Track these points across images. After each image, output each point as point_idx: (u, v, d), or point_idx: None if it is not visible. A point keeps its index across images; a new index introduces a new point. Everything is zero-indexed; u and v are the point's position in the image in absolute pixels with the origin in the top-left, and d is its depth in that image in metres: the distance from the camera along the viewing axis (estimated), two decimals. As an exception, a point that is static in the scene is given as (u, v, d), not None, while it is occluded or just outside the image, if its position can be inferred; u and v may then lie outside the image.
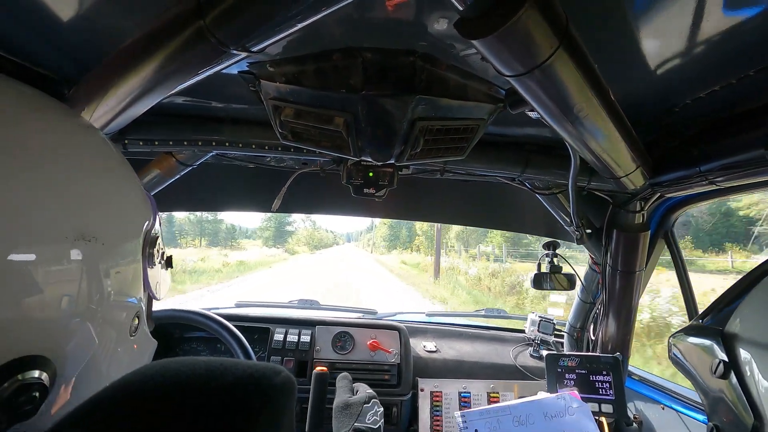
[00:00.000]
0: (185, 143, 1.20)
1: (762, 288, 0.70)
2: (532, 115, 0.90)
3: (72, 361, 0.47)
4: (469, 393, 1.66)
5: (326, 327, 1.77)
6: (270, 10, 0.54)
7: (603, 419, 1.43)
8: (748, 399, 0.63)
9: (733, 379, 0.67)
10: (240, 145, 1.21)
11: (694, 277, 1.51)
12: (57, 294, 0.44)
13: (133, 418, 0.33)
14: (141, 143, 1.18)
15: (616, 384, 1.46)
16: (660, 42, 0.69)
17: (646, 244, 1.43)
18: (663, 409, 1.48)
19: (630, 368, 1.68)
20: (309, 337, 1.73)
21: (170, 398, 0.34)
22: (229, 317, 1.53)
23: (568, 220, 1.48)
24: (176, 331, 1.77)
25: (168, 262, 0.75)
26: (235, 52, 0.60)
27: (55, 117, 0.53)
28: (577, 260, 1.89)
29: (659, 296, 6.72)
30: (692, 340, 0.81)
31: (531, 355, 1.90)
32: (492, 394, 1.66)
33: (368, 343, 1.72)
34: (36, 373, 0.41)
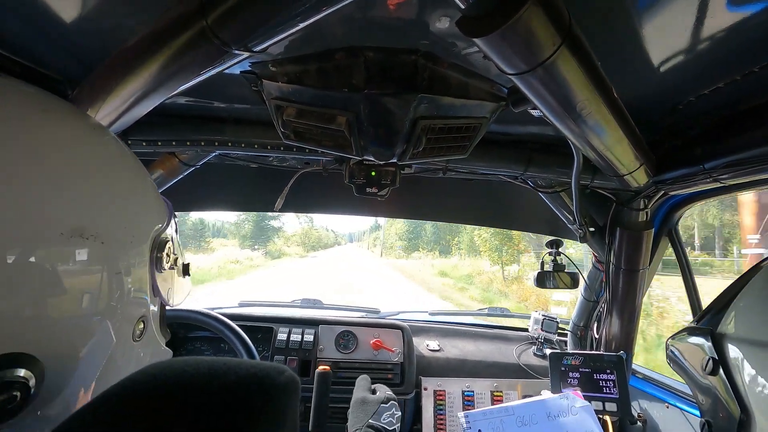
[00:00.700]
0: (188, 143, 1.20)
1: (750, 288, 0.72)
2: (534, 113, 0.90)
3: (65, 361, 0.46)
4: (473, 392, 1.66)
5: (329, 326, 1.77)
6: (272, 10, 0.54)
7: (607, 418, 1.43)
8: (735, 393, 0.66)
9: (722, 374, 0.69)
10: (242, 145, 1.21)
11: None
12: (49, 291, 0.43)
13: (136, 418, 0.33)
14: (144, 144, 1.19)
15: (620, 382, 1.45)
16: (663, 39, 0.69)
17: (649, 242, 1.43)
18: (667, 407, 1.48)
19: (634, 366, 1.67)
20: (312, 337, 1.73)
21: (173, 397, 0.34)
22: (233, 317, 1.54)
23: (571, 219, 1.47)
24: (180, 330, 1.78)
25: (185, 270, 0.74)
26: (237, 52, 0.60)
27: (61, 117, 0.53)
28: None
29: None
30: (685, 340, 0.84)
31: (534, 354, 1.90)
32: (495, 393, 1.66)
33: (371, 342, 1.72)
34: (20, 372, 0.40)
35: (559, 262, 1.67)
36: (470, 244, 20.91)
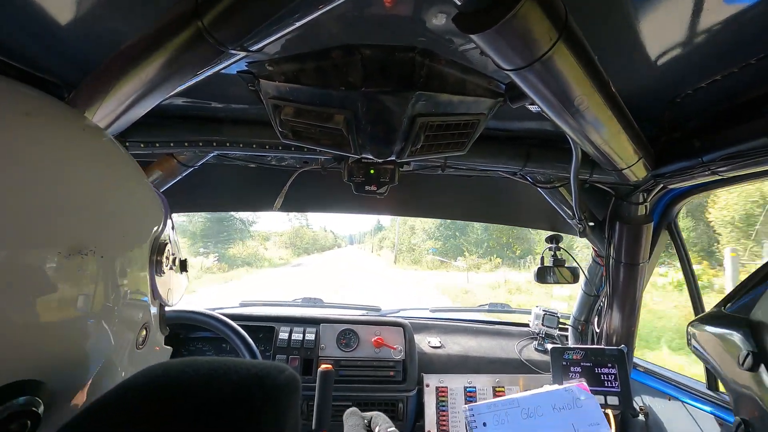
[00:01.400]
0: (186, 144, 1.20)
1: None
2: (532, 108, 0.90)
3: (71, 379, 0.46)
4: (475, 387, 1.66)
5: (331, 325, 1.77)
6: (267, 10, 0.54)
7: (609, 411, 1.43)
8: None
9: (764, 371, 0.63)
10: (241, 145, 1.21)
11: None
12: (50, 312, 0.42)
13: (136, 420, 0.33)
14: (142, 145, 1.19)
15: (622, 376, 1.46)
16: (661, 32, 0.69)
17: (649, 235, 1.43)
18: (669, 400, 1.48)
19: (635, 360, 1.68)
20: (314, 336, 1.73)
21: (173, 399, 0.35)
22: (234, 317, 1.54)
23: (571, 213, 1.47)
24: (182, 331, 1.78)
25: (182, 266, 0.72)
26: (233, 51, 0.60)
27: (57, 121, 0.51)
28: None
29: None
30: (714, 329, 0.77)
31: (536, 349, 1.90)
32: (497, 389, 1.66)
33: (373, 340, 1.73)
34: (26, 399, 0.40)
35: (558, 257, 1.68)
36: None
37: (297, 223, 38.33)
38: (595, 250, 1.66)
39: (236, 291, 13.64)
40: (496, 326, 2.10)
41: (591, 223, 1.53)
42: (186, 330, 1.78)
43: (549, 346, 1.61)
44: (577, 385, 1.30)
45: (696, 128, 1.03)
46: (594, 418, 1.19)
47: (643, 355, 1.80)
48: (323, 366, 1.13)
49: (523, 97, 0.86)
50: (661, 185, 1.27)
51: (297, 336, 1.72)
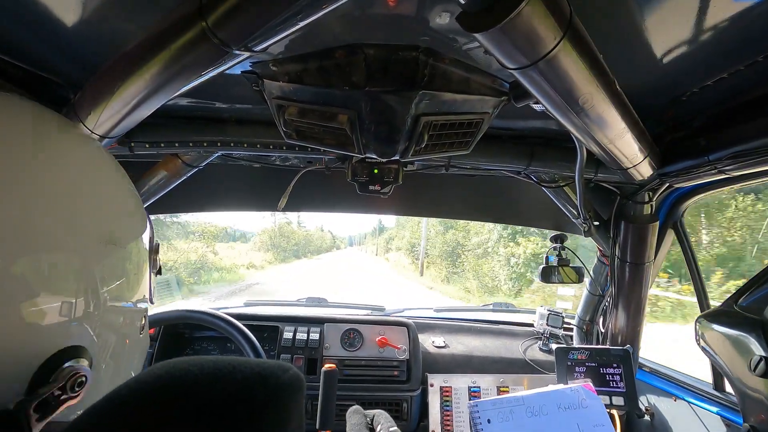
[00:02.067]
0: (191, 144, 1.20)
1: None
2: (536, 107, 0.89)
3: (99, 354, 0.52)
4: (479, 387, 1.66)
5: (335, 324, 1.77)
6: (271, 10, 0.54)
7: (614, 412, 1.43)
8: None
9: None
10: (245, 145, 1.21)
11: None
12: (92, 291, 0.50)
13: (141, 419, 0.33)
14: (147, 145, 1.19)
15: (627, 376, 1.45)
16: (666, 30, 0.68)
17: (654, 235, 1.42)
18: (675, 400, 1.47)
19: (641, 360, 1.67)
20: (318, 335, 1.73)
21: (178, 398, 0.35)
22: (239, 316, 1.55)
23: (576, 213, 1.47)
24: (187, 331, 1.79)
25: (159, 271, 0.79)
26: (237, 52, 0.60)
27: (82, 139, 0.61)
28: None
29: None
30: (725, 329, 0.74)
31: (540, 349, 1.90)
32: (502, 388, 1.66)
33: (377, 339, 1.73)
34: (83, 362, 0.48)
35: (563, 256, 1.67)
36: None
37: (283, 219, 30.88)
38: (600, 250, 1.65)
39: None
40: (501, 326, 2.09)
41: (596, 223, 1.52)
42: (191, 329, 1.78)
43: (554, 346, 1.61)
44: (583, 385, 1.29)
45: (702, 126, 1.02)
46: (599, 418, 1.19)
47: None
48: (327, 365, 1.14)
49: (528, 96, 0.85)
50: (667, 184, 1.26)
51: (301, 335, 1.72)
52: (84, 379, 0.47)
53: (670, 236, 1.52)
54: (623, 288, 1.51)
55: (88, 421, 0.35)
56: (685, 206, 1.45)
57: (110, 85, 0.72)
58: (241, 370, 0.38)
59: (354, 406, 0.96)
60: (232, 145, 1.21)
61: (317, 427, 1.10)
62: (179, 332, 1.77)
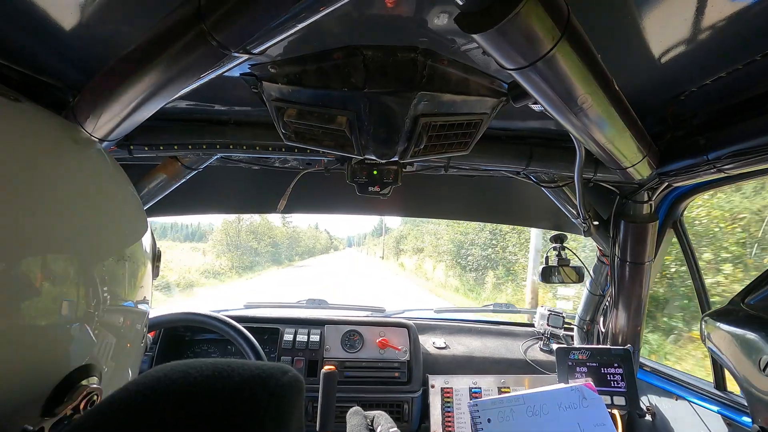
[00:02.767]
0: (190, 147, 1.20)
1: None
2: (535, 108, 0.90)
3: (109, 366, 0.54)
4: (480, 388, 1.66)
5: (335, 326, 1.77)
6: (269, 12, 0.54)
7: (615, 412, 1.42)
8: None
9: None
10: (244, 147, 1.21)
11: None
12: (102, 307, 0.51)
13: (141, 421, 0.33)
14: (146, 148, 1.19)
15: (628, 376, 1.45)
16: (664, 29, 0.69)
17: (654, 234, 1.42)
18: (676, 400, 1.47)
19: (641, 360, 1.67)
20: (318, 337, 1.73)
21: (178, 400, 0.35)
22: (239, 319, 1.55)
23: (575, 213, 1.47)
24: (187, 333, 1.78)
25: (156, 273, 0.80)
26: (236, 54, 0.60)
27: (92, 149, 0.61)
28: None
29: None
30: (732, 328, 0.73)
31: (541, 349, 1.90)
32: (503, 389, 1.66)
33: (377, 341, 1.72)
34: (94, 380, 0.49)
35: (563, 256, 1.67)
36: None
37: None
38: (600, 250, 1.65)
39: None
40: (501, 326, 2.09)
41: (595, 222, 1.52)
42: (191, 332, 1.78)
43: (554, 346, 1.60)
44: (584, 384, 1.29)
45: (701, 126, 1.02)
46: (600, 418, 1.18)
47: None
48: (326, 367, 1.13)
49: (526, 97, 0.85)
50: (666, 183, 1.26)
51: (302, 337, 1.72)
52: (96, 397, 0.48)
53: (670, 235, 1.52)
54: (623, 288, 1.51)
55: (89, 424, 0.34)
56: (685, 205, 1.46)
57: (109, 88, 0.72)
58: (241, 372, 0.38)
59: (354, 408, 0.96)
60: (231, 147, 1.21)
61: (317, 428, 1.10)
62: (179, 335, 1.77)
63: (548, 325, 1.93)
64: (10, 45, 0.76)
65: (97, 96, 0.75)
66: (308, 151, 1.23)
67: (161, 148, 1.20)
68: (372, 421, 0.90)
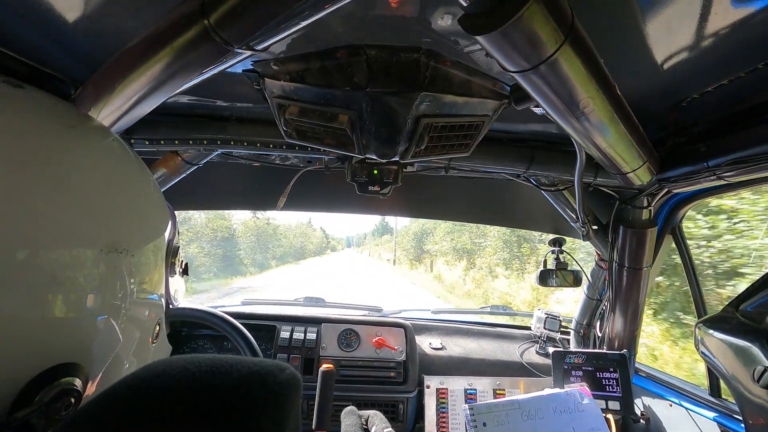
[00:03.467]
0: (191, 142, 1.20)
1: None
2: (537, 111, 0.90)
3: (99, 367, 0.50)
4: (475, 390, 1.66)
5: (332, 324, 1.77)
6: (273, 9, 0.54)
7: (610, 416, 1.43)
8: None
9: None
10: (245, 144, 1.21)
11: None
12: (92, 305, 0.47)
13: (139, 415, 0.33)
14: (147, 142, 1.19)
15: (623, 381, 1.45)
16: (667, 36, 0.69)
17: (653, 240, 1.42)
18: (671, 405, 1.47)
19: (637, 365, 1.67)
20: (315, 335, 1.73)
21: (175, 395, 0.35)
22: (236, 315, 1.54)
23: (574, 217, 1.47)
24: (184, 328, 1.78)
25: (185, 270, 0.77)
26: (239, 50, 0.60)
27: (94, 133, 0.56)
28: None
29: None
30: (726, 336, 0.73)
31: (537, 352, 1.90)
32: (498, 391, 1.66)
33: (374, 340, 1.72)
34: (73, 380, 0.44)
35: (561, 260, 1.67)
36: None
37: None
38: (598, 254, 1.65)
39: None
40: (498, 329, 2.09)
41: (595, 227, 1.52)
42: (188, 327, 1.78)
43: (551, 350, 1.61)
44: (579, 389, 1.29)
45: (702, 132, 1.02)
46: (595, 422, 1.19)
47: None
48: (325, 365, 1.13)
49: (528, 99, 0.86)
50: (666, 189, 1.26)
51: (298, 335, 1.72)
52: (74, 400, 0.44)
53: (669, 241, 1.52)
54: (621, 293, 1.51)
55: (87, 417, 0.34)
56: (684, 212, 1.46)
57: (112, 82, 0.72)
58: (239, 368, 0.38)
59: (349, 407, 0.96)
60: (232, 143, 1.21)
61: (313, 427, 1.09)
62: (176, 330, 1.77)
63: (545, 328, 1.93)
64: (14, 37, 0.75)
65: (100, 89, 0.75)
66: (309, 149, 1.23)
67: (162, 142, 1.20)
68: (366, 421, 0.91)
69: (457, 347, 1.89)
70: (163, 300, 0.63)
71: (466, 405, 1.20)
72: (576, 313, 1.85)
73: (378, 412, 0.93)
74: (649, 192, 1.31)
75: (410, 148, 0.92)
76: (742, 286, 2.78)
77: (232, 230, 20.20)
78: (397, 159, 0.97)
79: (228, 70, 0.75)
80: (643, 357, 4.11)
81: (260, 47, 0.62)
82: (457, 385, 1.67)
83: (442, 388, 1.65)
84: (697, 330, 0.84)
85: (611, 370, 1.48)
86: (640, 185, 1.12)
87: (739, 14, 0.62)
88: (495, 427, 1.16)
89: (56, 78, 0.89)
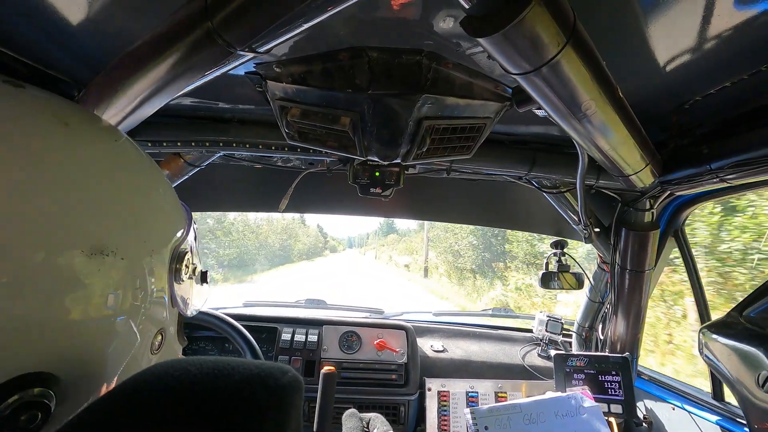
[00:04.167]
0: (193, 144, 1.21)
1: None
2: (539, 113, 0.90)
3: (85, 378, 0.46)
4: (477, 393, 1.65)
5: (333, 327, 1.77)
6: (276, 11, 0.54)
7: (612, 420, 1.42)
8: None
9: None
10: (247, 146, 1.22)
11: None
12: (70, 308, 0.43)
13: (140, 418, 0.33)
14: (149, 144, 1.20)
15: (626, 384, 1.45)
16: (669, 37, 0.69)
17: (655, 242, 1.42)
18: (673, 409, 1.46)
19: (639, 368, 1.66)
20: (316, 337, 1.73)
21: (177, 397, 0.35)
22: (238, 317, 1.54)
23: (576, 219, 1.46)
24: (185, 330, 1.78)
25: (203, 278, 0.73)
26: (242, 53, 0.60)
27: (91, 130, 0.53)
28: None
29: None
30: (730, 341, 0.73)
31: (539, 355, 1.89)
32: (500, 394, 1.65)
33: (375, 342, 1.72)
34: (39, 391, 0.40)
35: (564, 262, 1.67)
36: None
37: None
38: (600, 257, 1.65)
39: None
40: (500, 331, 2.09)
41: (597, 229, 1.52)
42: (189, 329, 1.78)
43: (552, 353, 1.60)
44: (581, 392, 1.29)
45: (704, 135, 1.02)
46: (597, 426, 1.18)
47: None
48: (326, 368, 1.13)
49: (530, 102, 0.85)
50: (668, 192, 1.25)
51: (300, 337, 1.72)
52: (39, 414, 0.40)
53: (671, 244, 1.51)
54: (623, 295, 1.51)
55: (88, 419, 0.34)
56: (686, 214, 1.45)
57: (114, 84, 0.72)
58: (241, 371, 0.38)
59: (350, 410, 0.96)
60: (234, 145, 1.21)
61: (315, 429, 1.09)
62: None
63: (547, 331, 1.92)
64: (18, 38, 0.76)
65: (102, 91, 0.75)
66: (311, 151, 1.23)
67: (164, 144, 1.20)
68: (368, 424, 0.90)
69: (459, 350, 1.89)
70: (166, 309, 0.59)
71: (468, 409, 1.20)
72: (578, 315, 1.85)
73: (379, 415, 0.93)
74: (651, 194, 1.31)
75: (412, 150, 0.92)
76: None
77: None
78: (399, 161, 0.97)
79: (230, 72, 0.76)
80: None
81: (263, 49, 0.62)
82: (458, 387, 1.66)
83: (444, 391, 1.65)
84: (701, 335, 0.84)
85: (613, 373, 1.47)
86: (642, 188, 1.12)
87: (742, 16, 0.62)
88: (497, 430, 1.15)
89: (60, 79, 0.89)
